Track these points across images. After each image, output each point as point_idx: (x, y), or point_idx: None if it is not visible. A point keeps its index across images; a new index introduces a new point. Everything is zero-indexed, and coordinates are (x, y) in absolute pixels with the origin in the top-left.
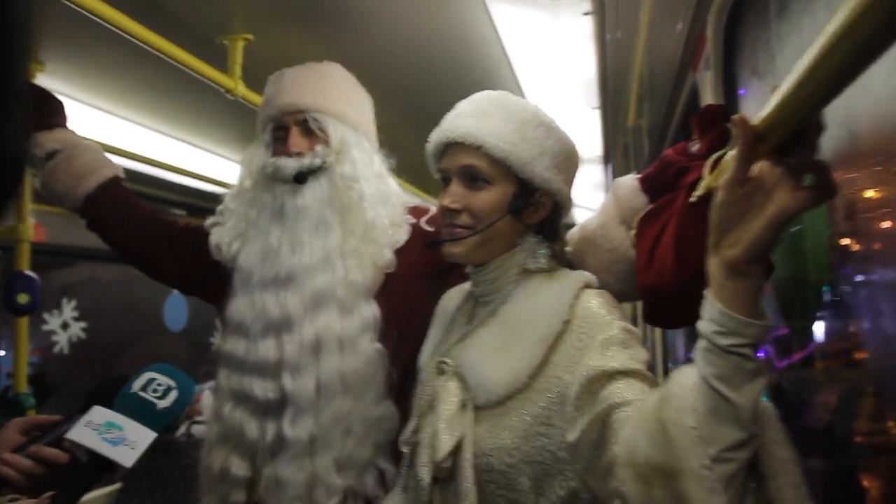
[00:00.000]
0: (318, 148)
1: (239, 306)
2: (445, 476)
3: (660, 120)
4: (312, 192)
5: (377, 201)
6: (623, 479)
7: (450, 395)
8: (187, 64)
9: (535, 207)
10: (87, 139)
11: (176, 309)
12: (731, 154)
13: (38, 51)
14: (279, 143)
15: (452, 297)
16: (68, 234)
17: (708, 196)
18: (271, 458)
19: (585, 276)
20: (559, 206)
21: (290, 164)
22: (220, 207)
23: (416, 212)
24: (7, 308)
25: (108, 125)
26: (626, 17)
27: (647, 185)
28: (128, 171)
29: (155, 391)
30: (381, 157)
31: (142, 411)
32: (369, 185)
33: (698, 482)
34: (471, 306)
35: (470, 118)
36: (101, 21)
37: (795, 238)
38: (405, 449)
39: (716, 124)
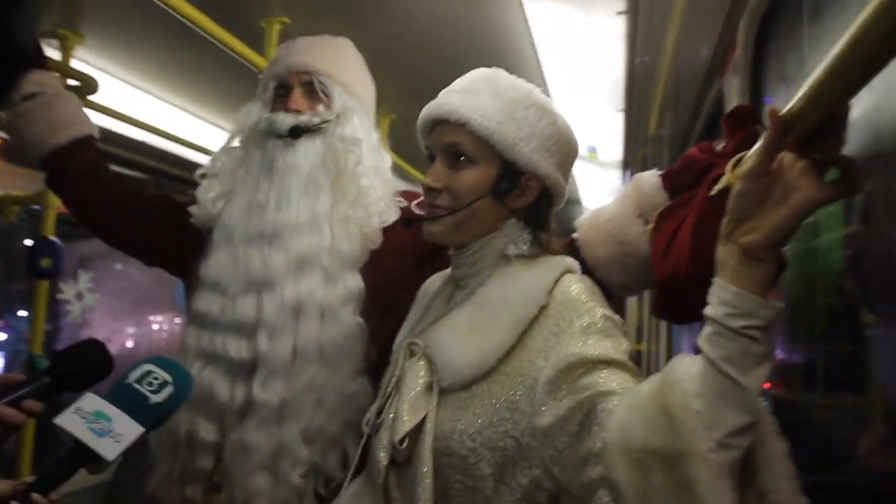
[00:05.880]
0: (320, 108)
1: (219, 263)
2: (403, 459)
3: (682, 129)
4: (305, 150)
5: (373, 172)
6: (614, 466)
7: (416, 375)
8: (226, 43)
9: (520, 191)
10: (68, 90)
11: None
12: (756, 146)
13: (79, 24)
14: (279, 101)
15: (434, 282)
16: None
17: (728, 191)
18: (239, 421)
19: (567, 261)
20: (549, 192)
21: (286, 119)
22: (207, 163)
23: (408, 195)
24: (29, 271)
25: (142, 102)
26: (658, 18)
27: (670, 183)
28: (157, 150)
29: (150, 385)
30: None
31: (134, 404)
32: (368, 153)
33: (706, 465)
34: (450, 290)
35: (458, 95)
36: None
37: (809, 238)
38: (366, 430)
39: (745, 125)
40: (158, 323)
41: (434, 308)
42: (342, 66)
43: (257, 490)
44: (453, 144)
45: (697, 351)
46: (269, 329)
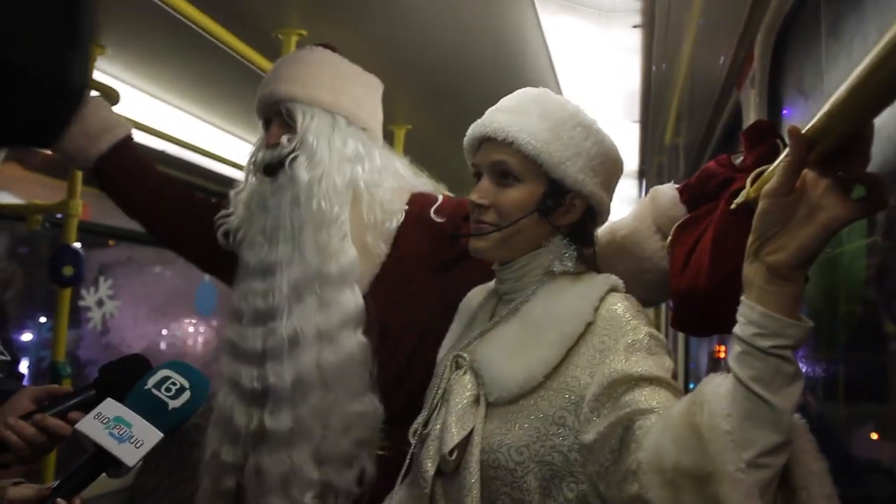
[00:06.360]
0: (284, 139)
1: (235, 294)
2: (451, 469)
3: (698, 139)
4: (281, 184)
5: (343, 189)
6: (649, 485)
7: (463, 389)
8: (243, 55)
9: (565, 209)
10: (95, 96)
11: (206, 295)
12: (778, 164)
13: (100, 35)
14: (266, 136)
15: (477, 294)
16: (109, 215)
17: (747, 205)
18: (254, 446)
19: (612, 279)
20: (593, 210)
21: (264, 157)
22: (231, 195)
23: (424, 199)
24: (52, 279)
25: (161, 112)
26: (674, 31)
27: (687, 196)
28: (178, 160)
29: (168, 390)
30: (363, 137)
31: (153, 410)
32: (335, 172)
33: (734, 485)
34: (493, 304)
35: (506, 114)
36: (163, 5)
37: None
38: (413, 440)
39: (765, 140)
40: (176, 329)
41: (478, 321)
42: (305, 81)
43: None
44: (500, 163)
45: (716, 365)
46: (274, 359)
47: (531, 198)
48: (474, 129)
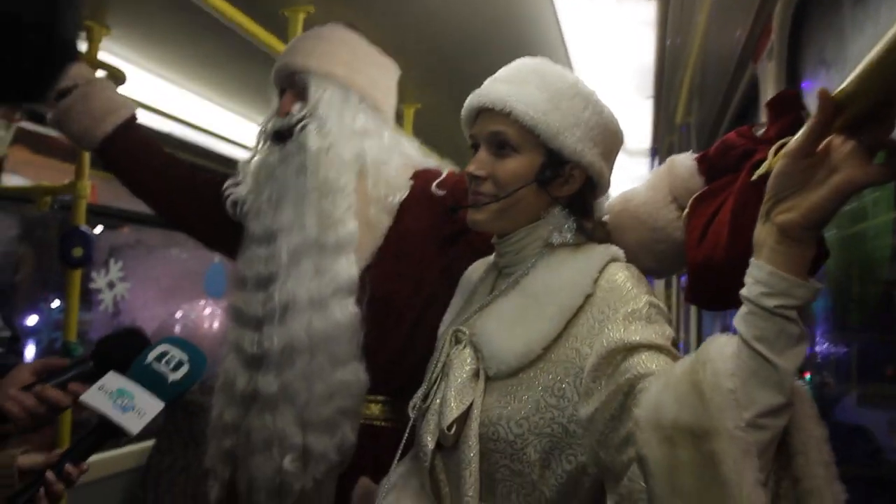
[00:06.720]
0: (296, 107)
1: (241, 261)
2: (451, 444)
3: (711, 117)
4: (290, 152)
5: (350, 161)
6: (645, 441)
7: (463, 363)
8: (250, 32)
9: (564, 180)
10: (100, 77)
11: (216, 277)
12: (804, 128)
13: (106, 16)
14: (280, 105)
15: (477, 268)
16: (118, 197)
17: (768, 177)
18: (247, 408)
19: (612, 250)
20: (593, 181)
21: (275, 124)
22: (240, 164)
23: (427, 174)
24: (62, 261)
25: (168, 93)
26: (689, 4)
27: (706, 167)
28: (184, 142)
29: (168, 363)
30: (374, 115)
31: (153, 381)
32: (343, 144)
33: (732, 442)
34: (493, 277)
35: (504, 84)
36: None
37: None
38: (413, 414)
39: (789, 111)
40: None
41: (478, 295)
42: (323, 56)
43: (258, 470)
44: (498, 133)
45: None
46: (269, 322)
47: (529, 168)
48: (471, 99)
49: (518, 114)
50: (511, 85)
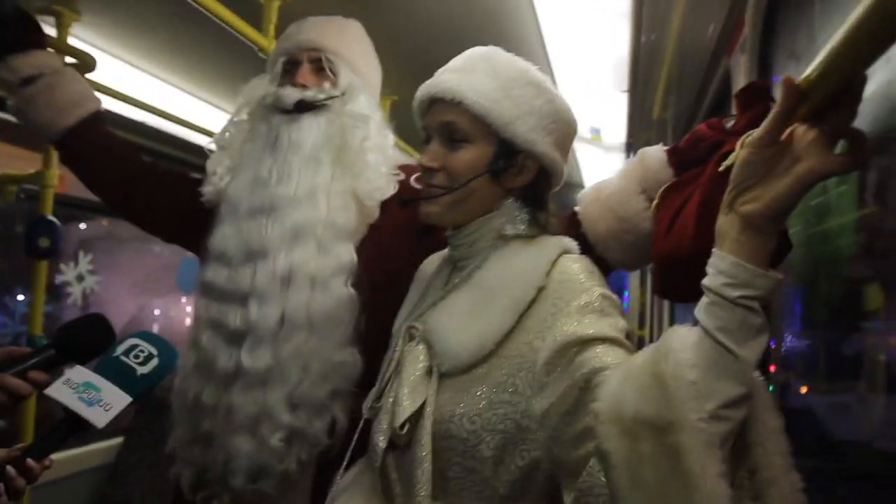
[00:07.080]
0: (326, 84)
1: (224, 235)
2: (403, 443)
3: (686, 111)
4: (309, 126)
5: (377, 149)
6: (606, 435)
7: (416, 360)
8: (225, 20)
9: (517, 170)
10: (67, 67)
11: (188, 272)
12: (768, 116)
13: (76, 1)
14: (286, 76)
15: (432, 262)
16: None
17: None
18: (227, 386)
19: (565, 241)
20: (547, 171)
21: (292, 94)
22: (216, 135)
23: (406, 169)
24: (28, 251)
25: (139, 80)
26: None
27: (676, 159)
28: (154, 130)
29: (136, 357)
30: (379, 113)
31: (121, 375)
32: (375, 130)
33: (695, 434)
34: (448, 271)
35: (454, 73)
36: None
37: (821, 220)
38: (367, 415)
39: (758, 102)
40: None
41: (432, 290)
42: (350, 46)
43: (238, 451)
44: (449, 123)
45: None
46: (259, 297)
47: (481, 159)
48: (423, 90)
49: (468, 103)
50: (461, 74)
